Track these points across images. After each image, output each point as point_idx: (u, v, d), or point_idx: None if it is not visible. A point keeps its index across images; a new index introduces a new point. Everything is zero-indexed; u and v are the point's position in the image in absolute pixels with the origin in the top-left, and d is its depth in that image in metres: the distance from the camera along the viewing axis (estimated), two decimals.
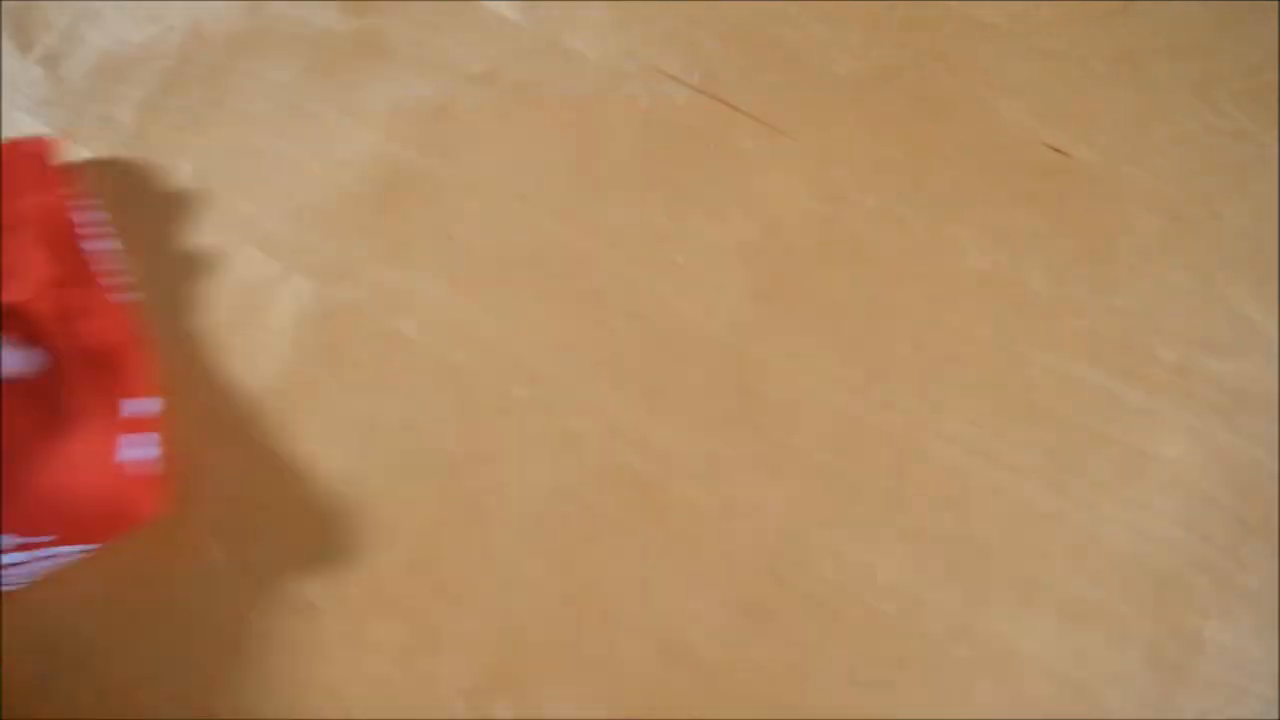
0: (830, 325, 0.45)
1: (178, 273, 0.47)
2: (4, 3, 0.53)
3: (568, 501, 0.42)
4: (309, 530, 0.42)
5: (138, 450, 0.41)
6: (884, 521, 0.41)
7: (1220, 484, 0.42)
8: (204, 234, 0.47)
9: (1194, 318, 0.45)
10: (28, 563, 0.39)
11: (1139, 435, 0.42)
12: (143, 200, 0.48)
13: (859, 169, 0.47)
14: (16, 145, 0.46)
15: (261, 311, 0.46)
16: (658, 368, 0.44)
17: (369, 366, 0.44)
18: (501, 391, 0.44)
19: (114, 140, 0.49)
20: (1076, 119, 0.49)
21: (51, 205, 0.44)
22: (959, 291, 0.45)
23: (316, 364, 0.45)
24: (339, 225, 0.47)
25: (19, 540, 0.38)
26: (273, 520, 0.42)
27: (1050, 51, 0.51)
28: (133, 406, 0.41)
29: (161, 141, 0.49)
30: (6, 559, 0.38)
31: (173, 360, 0.45)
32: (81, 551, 0.40)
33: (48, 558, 0.39)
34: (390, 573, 0.41)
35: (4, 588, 0.40)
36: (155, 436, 0.42)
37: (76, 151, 0.49)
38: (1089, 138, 0.48)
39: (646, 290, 0.45)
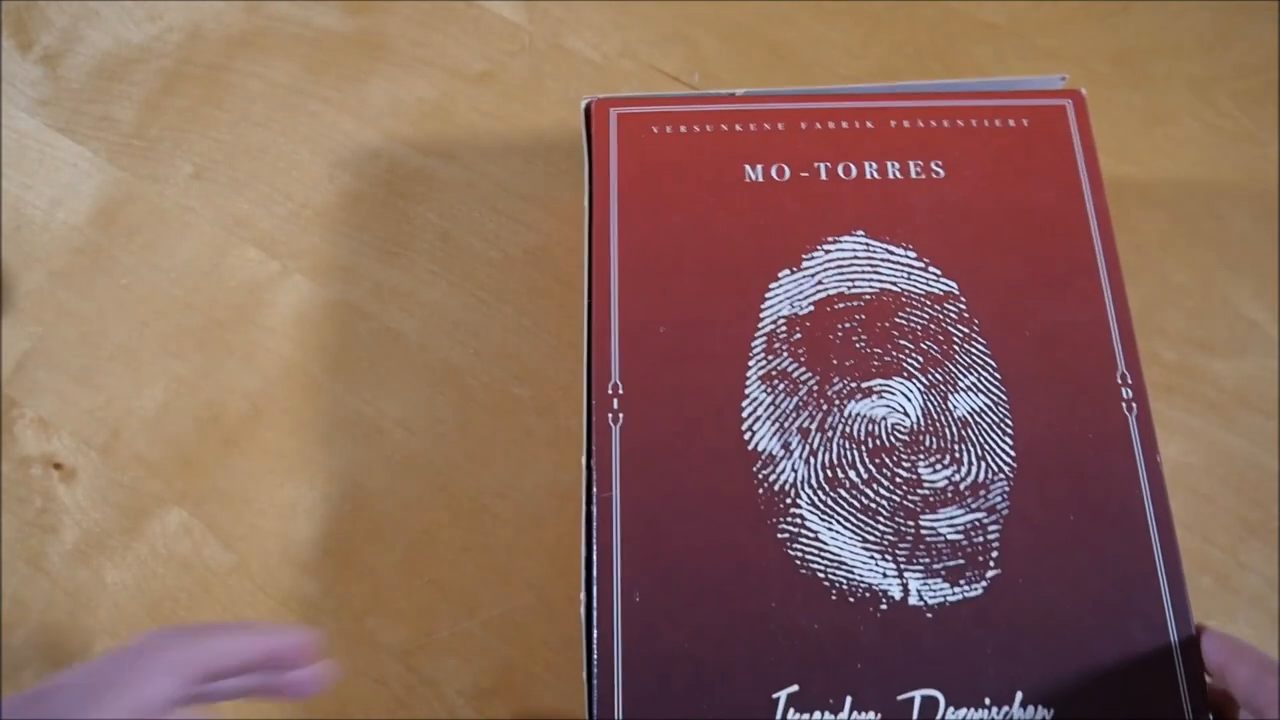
0: None
1: (178, 273, 0.47)
2: (4, 2, 0.53)
3: (568, 501, 0.42)
4: (309, 530, 0.42)
5: None
6: None
7: (1220, 484, 0.42)
8: (204, 234, 0.47)
9: (1194, 318, 0.45)
10: None
11: None
12: (142, 200, 0.48)
13: None
14: None
15: (261, 311, 0.46)
16: None
17: (368, 366, 0.44)
18: (501, 391, 0.44)
19: (114, 140, 0.49)
20: None
21: None
22: None
23: (316, 363, 0.45)
24: (339, 225, 0.47)
25: None
26: (273, 520, 0.42)
27: (1050, 51, 0.51)
28: None
29: (161, 141, 0.49)
30: None
31: (174, 359, 0.45)
32: None
33: None
34: (390, 573, 0.41)
35: None
36: None
37: (76, 150, 0.49)
38: None
39: None
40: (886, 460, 0.33)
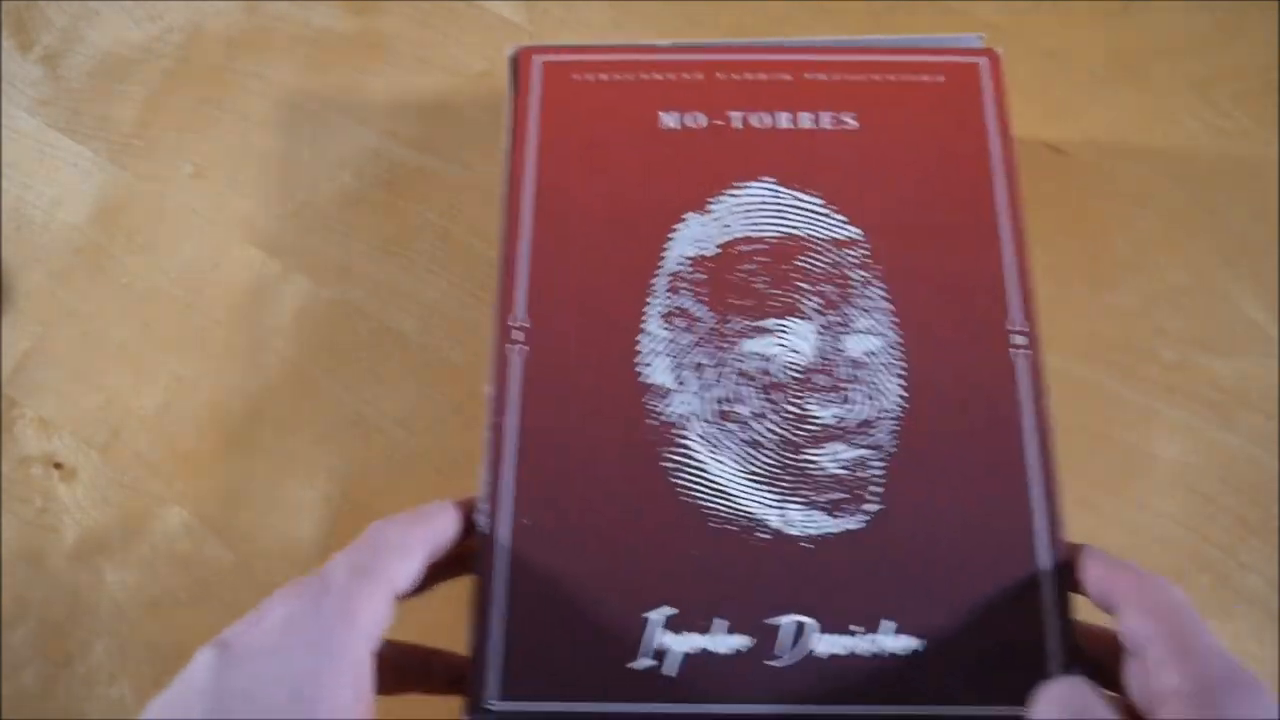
0: None
1: (178, 272, 0.47)
2: (4, 2, 0.53)
3: None
4: (309, 530, 0.42)
5: None
6: None
7: (1220, 484, 0.42)
8: (204, 234, 0.47)
9: (1194, 318, 0.45)
10: None
11: (1139, 435, 0.42)
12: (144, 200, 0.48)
13: None
14: None
15: (261, 310, 0.46)
16: None
17: (368, 365, 0.44)
18: None
19: (114, 139, 0.49)
20: (1076, 119, 0.49)
21: None
22: None
23: (316, 363, 0.45)
24: (339, 225, 0.47)
25: None
26: (273, 520, 0.42)
27: (1050, 51, 0.51)
28: None
29: (161, 141, 0.49)
30: None
31: (174, 359, 0.45)
32: None
33: None
34: None
35: None
36: None
37: (76, 150, 0.49)
38: (1089, 138, 0.48)
39: None
40: (777, 396, 0.34)
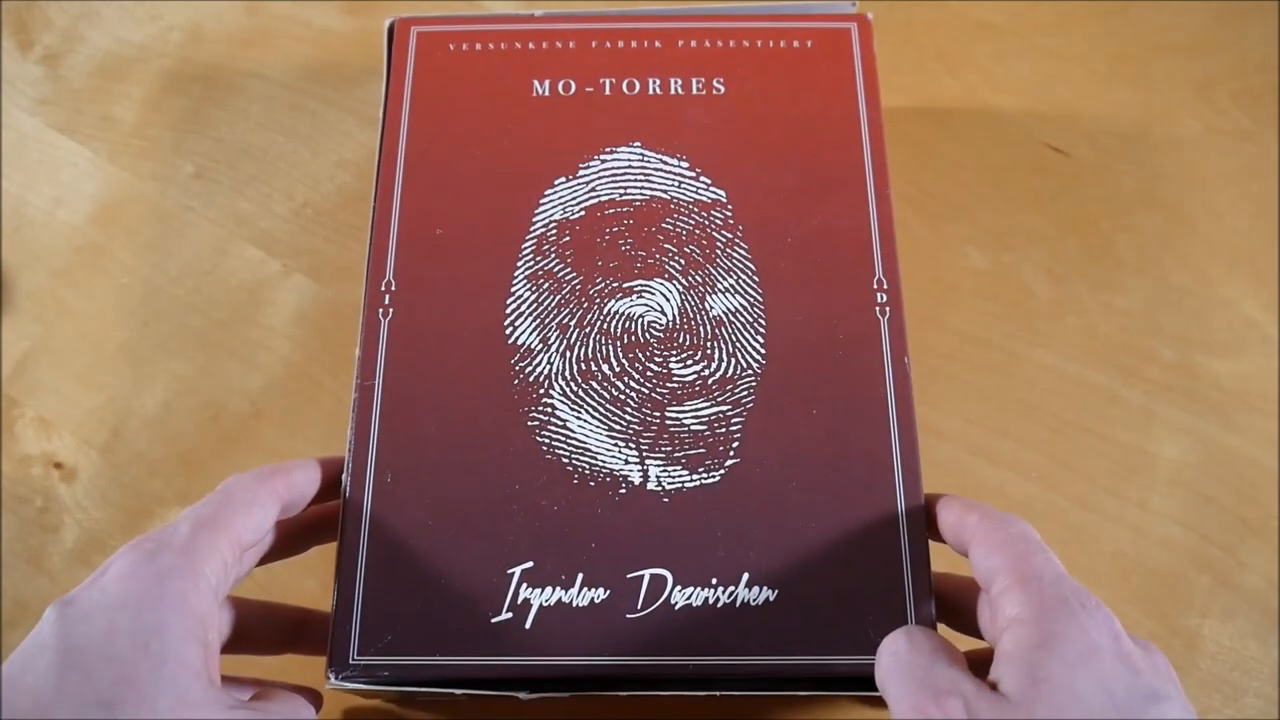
0: None
1: (178, 272, 0.47)
2: (4, 2, 0.53)
3: None
4: None
5: None
6: None
7: (1220, 484, 0.42)
8: (204, 234, 0.47)
9: (1194, 318, 0.45)
10: None
11: (1139, 435, 0.42)
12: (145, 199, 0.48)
13: None
14: None
15: (262, 311, 0.46)
16: None
17: None
18: None
19: (114, 139, 0.49)
20: (1076, 119, 0.49)
21: None
22: (959, 291, 0.45)
23: (317, 363, 0.45)
24: (339, 225, 0.47)
25: None
26: None
27: (1050, 51, 0.51)
28: None
29: (161, 141, 0.49)
30: None
31: (174, 359, 0.45)
32: None
33: None
34: None
35: None
36: None
37: (76, 150, 0.49)
38: (1089, 138, 0.48)
39: None
40: (639, 355, 0.35)
